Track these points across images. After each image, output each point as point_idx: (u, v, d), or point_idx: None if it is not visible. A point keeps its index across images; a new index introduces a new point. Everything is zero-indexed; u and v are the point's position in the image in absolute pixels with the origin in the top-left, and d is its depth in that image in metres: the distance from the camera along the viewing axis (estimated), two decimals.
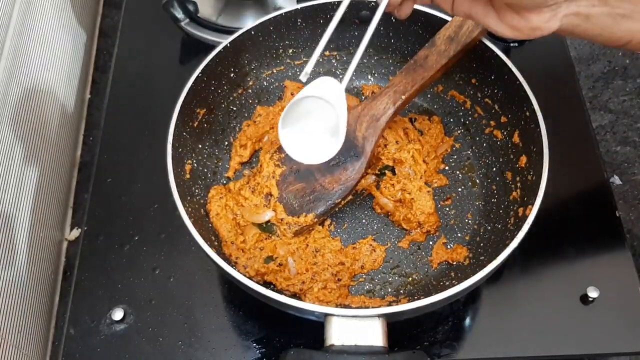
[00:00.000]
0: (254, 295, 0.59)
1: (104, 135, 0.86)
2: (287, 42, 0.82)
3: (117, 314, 0.70)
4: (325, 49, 0.84)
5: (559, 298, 0.73)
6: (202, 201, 0.73)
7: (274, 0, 0.94)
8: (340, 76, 0.86)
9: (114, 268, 0.75)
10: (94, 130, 0.98)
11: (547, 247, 0.76)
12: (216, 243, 0.69)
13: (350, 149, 0.72)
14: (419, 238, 0.74)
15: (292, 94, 0.83)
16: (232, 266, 0.60)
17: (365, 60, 0.86)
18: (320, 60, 0.86)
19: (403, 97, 0.71)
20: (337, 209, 0.74)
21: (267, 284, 0.68)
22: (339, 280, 0.69)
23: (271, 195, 0.72)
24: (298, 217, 0.71)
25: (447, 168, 0.80)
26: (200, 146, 0.76)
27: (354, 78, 0.87)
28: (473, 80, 0.79)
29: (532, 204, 0.62)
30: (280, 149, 0.75)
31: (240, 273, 0.60)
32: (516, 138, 0.73)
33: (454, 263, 0.71)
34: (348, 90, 0.86)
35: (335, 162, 0.72)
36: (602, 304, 0.72)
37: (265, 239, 0.70)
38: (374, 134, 0.71)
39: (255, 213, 0.71)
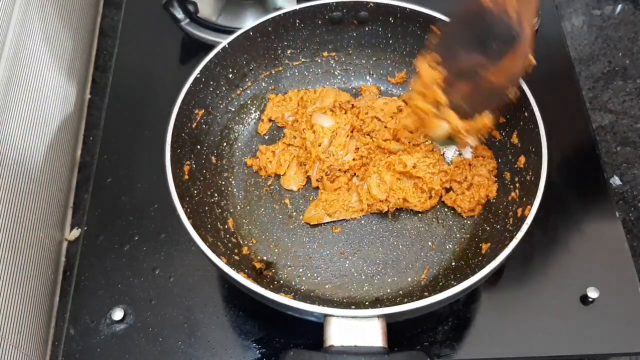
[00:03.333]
0: (253, 297, 0.59)
1: (104, 135, 0.86)
2: (285, 43, 0.82)
3: (117, 314, 0.71)
4: (323, 50, 0.85)
5: (559, 298, 0.73)
6: (202, 201, 0.73)
7: (273, 0, 0.94)
8: (339, 77, 0.87)
9: (114, 268, 0.75)
10: (94, 130, 0.97)
11: (547, 247, 0.76)
12: (212, 240, 0.69)
13: (506, 31, 0.62)
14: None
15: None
16: (232, 268, 0.60)
17: (364, 61, 0.86)
18: (319, 61, 0.86)
19: None
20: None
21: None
22: None
23: (439, 104, 0.66)
24: (474, 120, 0.65)
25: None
26: (198, 147, 0.76)
27: (352, 79, 0.87)
28: None
29: (531, 205, 0.62)
30: (436, 47, 0.67)
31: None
32: (515, 138, 0.73)
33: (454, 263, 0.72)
34: (347, 90, 0.86)
35: (494, 51, 0.63)
36: (602, 304, 0.72)
37: None
38: (529, 6, 0.61)
39: (432, 127, 0.66)
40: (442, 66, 0.65)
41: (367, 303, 0.69)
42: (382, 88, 0.87)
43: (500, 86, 0.63)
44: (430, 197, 0.75)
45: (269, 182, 0.79)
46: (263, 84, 0.84)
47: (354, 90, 0.87)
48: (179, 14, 0.92)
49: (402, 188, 0.75)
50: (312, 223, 0.75)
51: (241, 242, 0.74)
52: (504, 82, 0.63)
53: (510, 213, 0.70)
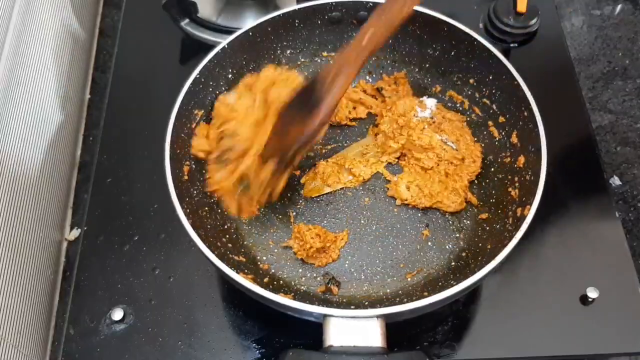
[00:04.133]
0: (252, 297, 0.59)
1: (103, 135, 0.86)
2: (284, 43, 0.82)
3: (117, 314, 0.71)
4: (323, 50, 0.85)
5: (559, 298, 0.73)
6: (201, 202, 0.73)
7: (274, 0, 0.94)
8: None
9: (114, 268, 0.75)
10: (94, 130, 0.97)
11: (547, 247, 0.76)
12: (212, 240, 0.69)
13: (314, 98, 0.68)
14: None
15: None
16: (231, 268, 0.60)
17: None
18: (319, 61, 0.86)
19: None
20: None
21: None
22: None
23: None
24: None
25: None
26: None
27: None
28: (471, 81, 0.79)
29: (531, 204, 0.62)
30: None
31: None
32: (514, 138, 0.73)
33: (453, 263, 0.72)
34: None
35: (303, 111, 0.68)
36: (602, 304, 0.72)
37: None
38: (339, 81, 0.66)
39: None
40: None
41: (366, 303, 0.69)
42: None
43: (290, 141, 0.68)
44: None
45: None
46: None
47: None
48: (179, 14, 0.92)
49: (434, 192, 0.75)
50: (312, 195, 0.76)
51: (241, 241, 0.74)
52: (294, 139, 0.68)
53: (510, 213, 0.69)
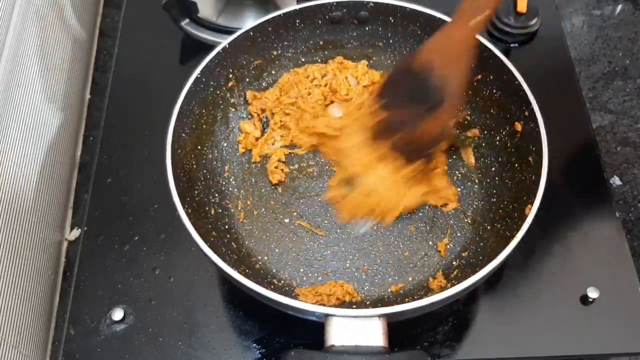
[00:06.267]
0: (253, 296, 0.59)
1: (104, 135, 0.86)
2: (285, 43, 0.82)
3: (117, 314, 0.71)
4: (324, 50, 0.85)
5: (559, 298, 0.73)
6: (202, 202, 0.73)
7: (274, 0, 0.94)
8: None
9: (114, 268, 0.75)
10: (94, 131, 0.97)
11: (547, 247, 0.76)
12: (213, 240, 0.69)
13: (432, 93, 0.64)
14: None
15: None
16: (233, 268, 0.60)
17: (364, 61, 0.86)
18: (319, 60, 0.86)
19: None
20: None
21: None
22: None
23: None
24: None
25: (446, 168, 0.79)
26: (199, 147, 0.76)
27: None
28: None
29: (532, 204, 0.62)
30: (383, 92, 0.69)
31: None
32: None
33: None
34: None
35: (424, 107, 0.65)
36: (602, 304, 0.72)
37: None
38: (456, 69, 0.62)
39: None
40: (386, 109, 0.68)
41: (368, 303, 0.69)
42: None
43: (428, 140, 0.66)
44: None
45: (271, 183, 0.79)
46: (264, 84, 0.84)
47: None
48: (179, 14, 0.92)
49: None
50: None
51: (242, 241, 0.74)
52: (430, 138, 0.66)
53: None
